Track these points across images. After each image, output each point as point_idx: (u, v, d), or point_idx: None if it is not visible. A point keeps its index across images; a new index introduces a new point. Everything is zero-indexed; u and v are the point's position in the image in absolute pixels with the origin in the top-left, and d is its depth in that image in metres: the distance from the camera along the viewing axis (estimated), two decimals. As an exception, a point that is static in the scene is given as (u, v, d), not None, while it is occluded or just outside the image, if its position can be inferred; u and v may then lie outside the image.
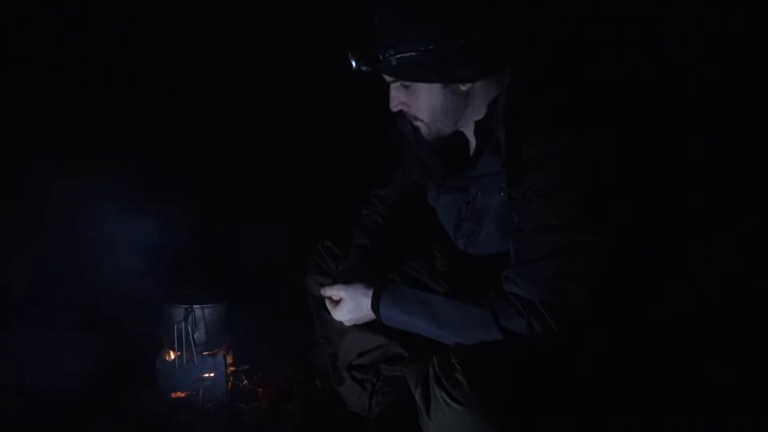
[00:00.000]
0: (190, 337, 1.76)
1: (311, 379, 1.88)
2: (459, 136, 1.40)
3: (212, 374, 1.79)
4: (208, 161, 2.56)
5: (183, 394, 1.77)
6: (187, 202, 2.06)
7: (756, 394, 1.54)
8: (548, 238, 1.18)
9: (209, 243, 2.31)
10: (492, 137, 1.30)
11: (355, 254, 1.60)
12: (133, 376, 1.81)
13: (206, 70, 2.61)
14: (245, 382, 1.88)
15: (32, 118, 2.13)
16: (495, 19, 1.24)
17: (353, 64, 1.27)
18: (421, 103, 1.31)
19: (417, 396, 1.24)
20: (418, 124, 1.36)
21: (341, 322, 1.46)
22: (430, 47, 1.20)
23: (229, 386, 1.82)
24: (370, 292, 1.38)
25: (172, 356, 1.79)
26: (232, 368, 1.90)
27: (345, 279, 1.45)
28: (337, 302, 1.45)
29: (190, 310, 1.78)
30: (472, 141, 1.39)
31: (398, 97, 1.34)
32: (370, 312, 1.38)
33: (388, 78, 1.33)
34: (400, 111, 1.36)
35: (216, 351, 1.84)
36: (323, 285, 1.49)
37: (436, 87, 1.29)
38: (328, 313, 1.48)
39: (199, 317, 1.80)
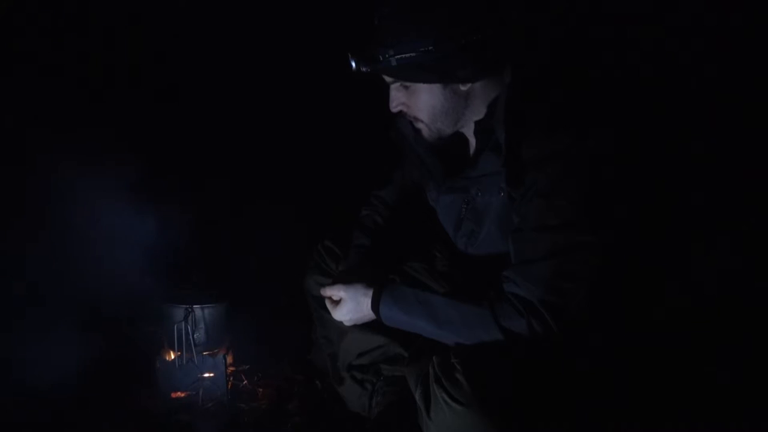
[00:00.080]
0: (190, 337, 1.76)
1: (311, 379, 1.88)
2: (459, 136, 1.40)
3: (212, 374, 1.79)
4: (208, 161, 2.56)
5: (183, 394, 1.77)
6: (187, 202, 2.07)
7: (756, 394, 1.54)
8: (548, 238, 1.18)
9: (209, 243, 2.31)
10: (492, 137, 1.30)
11: (355, 254, 1.60)
12: (133, 376, 1.82)
13: (206, 70, 2.61)
14: (245, 382, 1.88)
15: (32, 118, 2.13)
16: (495, 19, 1.24)
17: (353, 64, 1.27)
18: (421, 103, 1.31)
19: (417, 396, 1.24)
20: (418, 125, 1.36)
21: (341, 322, 1.47)
22: (430, 47, 1.20)
23: (229, 386, 1.82)
24: (370, 292, 1.38)
25: (172, 356, 1.79)
26: (232, 368, 1.90)
27: (345, 279, 1.46)
28: (337, 302, 1.45)
29: (190, 310, 1.78)
30: (472, 141, 1.39)
31: (398, 97, 1.34)
32: (370, 312, 1.38)
33: (387, 79, 1.33)
34: (400, 111, 1.36)
35: (216, 351, 1.84)
36: (323, 285, 1.49)
37: (436, 87, 1.29)
38: (328, 313, 1.48)
39: (199, 317, 1.80)
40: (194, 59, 2.59)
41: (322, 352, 1.73)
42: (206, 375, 1.79)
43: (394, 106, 1.36)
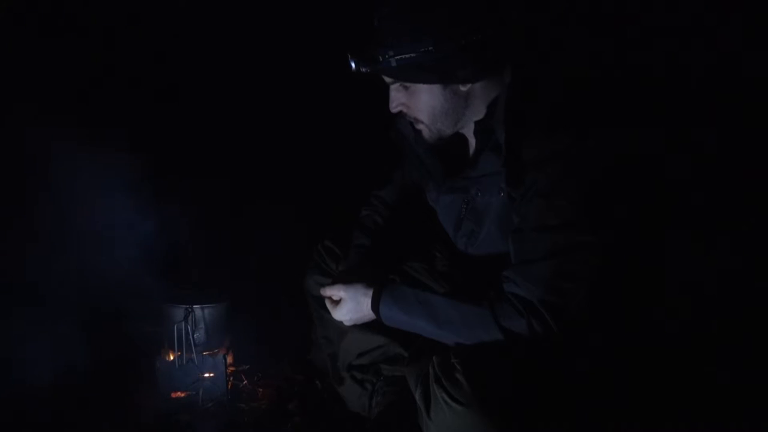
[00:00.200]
0: (190, 337, 1.76)
1: (311, 379, 1.88)
2: (459, 137, 1.40)
3: (212, 374, 1.79)
4: (208, 161, 2.56)
5: (183, 394, 1.78)
6: (187, 202, 2.06)
7: (756, 394, 1.54)
8: (548, 238, 1.18)
9: (209, 243, 2.31)
10: (492, 137, 1.30)
11: (355, 254, 1.60)
12: (133, 376, 1.81)
13: (206, 70, 2.61)
14: (245, 382, 1.88)
15: (32, 118, 2.13)
16: (495, 19, 1.24)
17: (353, 65, 1.26)
18: (421, 104, 1.31)
19: (417, 396, 1.24)
20: (419, 125, 1.36)
21: (341, 322, 1.46)
22: (430, 48, 1.20)
23: (229, 386, 1.82)
24: (370, 292, 1.38)
25: (172, 356, 1.79)
26: (232, 368, 1.90)
27: (345, 279, 1.45)
28: (337, 302, 1.45)
29: (190, 310, 1.78)
30: (472, 141, 1.39)
31: (398, 98, 1.34)
32: (370, 312, 1.38)
33: (387, 79, 1.33)
34: (400, 112, 1.36)
35: (216, 351, 1.84)
36: (323, 285, 1.49)
37: (436, 88, 1.28)
38: (328, 313, 1.48)
39: (199, 317, 1.80)
40: (194, 59, 2.59)
41: (322, 352, 1.73)
42: (206, 375, 1.79)
43: (394, 107, 1.36)
